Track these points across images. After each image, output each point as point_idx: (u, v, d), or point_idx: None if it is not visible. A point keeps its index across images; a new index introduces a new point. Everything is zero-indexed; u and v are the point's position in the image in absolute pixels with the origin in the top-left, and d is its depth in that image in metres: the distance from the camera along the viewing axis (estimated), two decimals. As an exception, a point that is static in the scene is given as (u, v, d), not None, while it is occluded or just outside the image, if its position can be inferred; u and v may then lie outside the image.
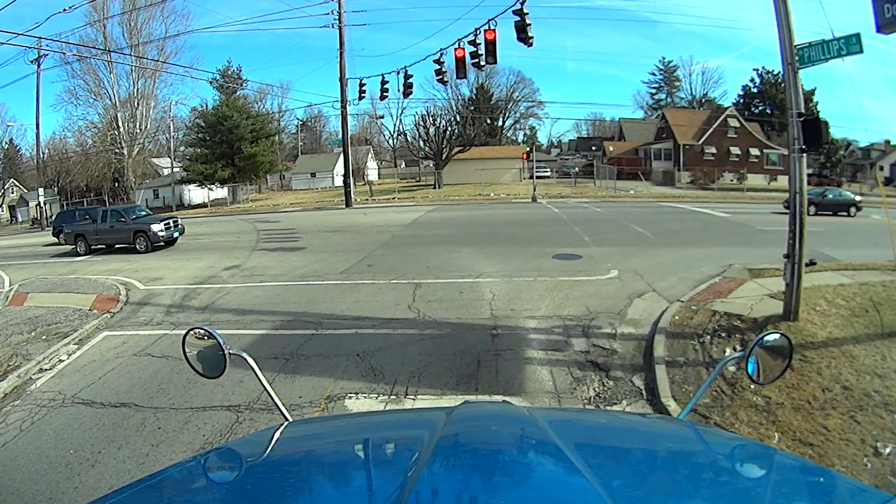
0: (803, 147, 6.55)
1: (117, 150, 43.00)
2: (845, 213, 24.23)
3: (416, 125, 47.68)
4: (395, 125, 66.14)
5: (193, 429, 5.21)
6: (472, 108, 58.89)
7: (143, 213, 20.14)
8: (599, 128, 78.10)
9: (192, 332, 1.96)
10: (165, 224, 18.39)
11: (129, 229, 18.17)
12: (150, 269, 13.75)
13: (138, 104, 43.30)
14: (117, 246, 18.62)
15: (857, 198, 25.54)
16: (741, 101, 56.28)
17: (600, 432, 1.60)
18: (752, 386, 5.19)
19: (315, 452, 1.49)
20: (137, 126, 43.76)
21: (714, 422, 4.86)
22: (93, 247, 18.87)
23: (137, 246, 17.85)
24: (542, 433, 1.35)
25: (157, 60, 41.42)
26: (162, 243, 18.02)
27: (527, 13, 13.51)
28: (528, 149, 43.70)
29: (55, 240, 22.08)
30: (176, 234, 18.76)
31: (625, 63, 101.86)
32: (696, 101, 68.16)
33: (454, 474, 1.15)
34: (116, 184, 48.19)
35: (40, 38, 29.49)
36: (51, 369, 7.13)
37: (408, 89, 21.26)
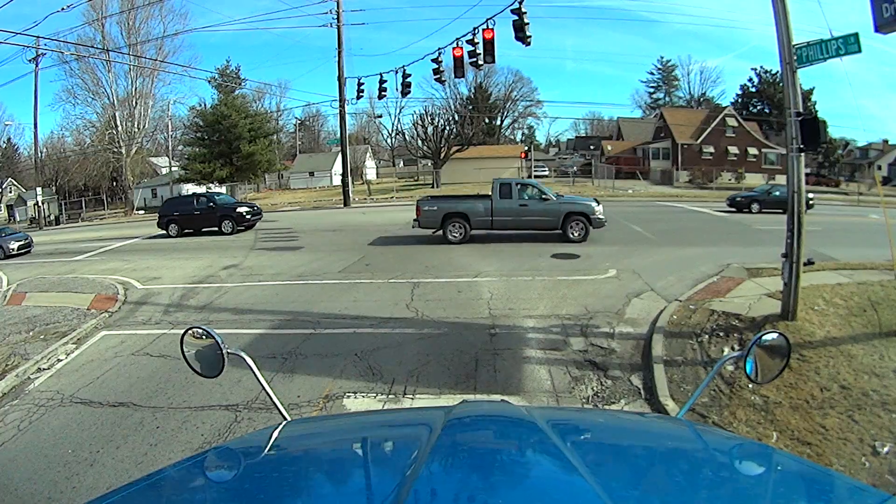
0: (801, 146, 6.56)
1: (115, 150, 42.88)
2: None
3: (414, 124, 47.57)
4: (393, 124, 65.88)
5: (192, 428, 5.20)
6: (471, 107, 58.76)
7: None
8: (598, 127, 78.07)
9: (190, 332, 1.96)
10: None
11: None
12: (148, 268, 13.73)
13: (136, 103, 43.16)
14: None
15: (809, 195, 25.25)
16: (739, 100, 56.39)
17: (599, 432, 1.60)
18: (751, 385, 5.20)
19: (313, 452, 1.49)
20: (136, 125, 43.62)
21: (712, 421, 4.87)
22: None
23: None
24: (541, 432, 1.35)
25: (156, 59, 41.30)
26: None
27: (525, 12, 13.51)
28: (526, 148, 43.87)
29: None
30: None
31: (623, 62, 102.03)
32: (695, 100, 68.21)
33: (453, 473, 1.14)
34: (115, 183, 48.14)
35: (38, 37, 29.46)
36: (49, 369, 7.12)
37: (406, 88, 21.21)
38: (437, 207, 15.17)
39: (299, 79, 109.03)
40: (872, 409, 4.77)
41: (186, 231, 20.72)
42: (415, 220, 15.49)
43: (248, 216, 20.68)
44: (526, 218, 14.66)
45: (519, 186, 15.01)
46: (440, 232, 15.09)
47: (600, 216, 14.44)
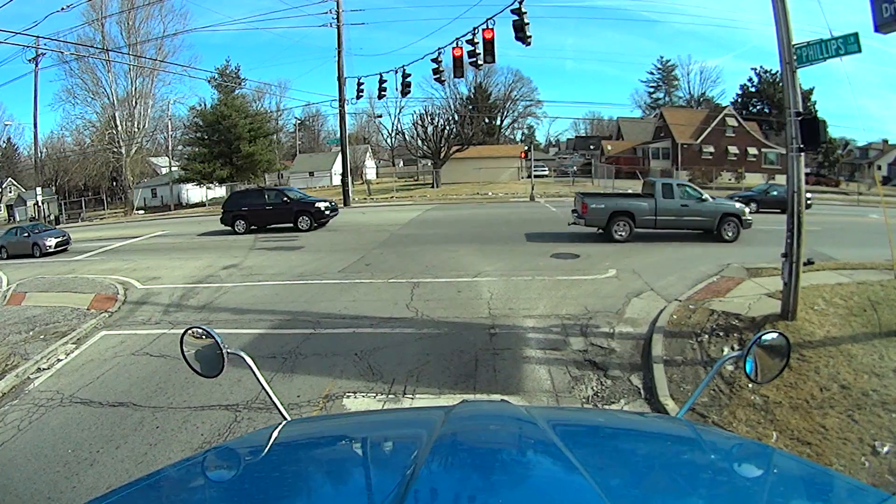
0: (801, 146, 6.56)
1: (115, 150, 42.90)
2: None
3: (414, 124, 47.62)
4: (393, 124, 65.93)
5: (192, 428, 5.20)
6: (471, 107, 58.79)
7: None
8: (597, 127, 78.07)
9: (190, 332, 1.96)
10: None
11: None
12: (147, 268, 13.73)
13: (136, 103, 43.22)
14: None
15: (807, 195, 25.21)
16: (739, 100, 56.40)
17: (598, 431, 1.60)
18: (751, 385, 5.20)
19: (313, 451, 1.49)
20: (135, 125, 43.65)
21: (712, 421, 4.87)
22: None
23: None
24: (541, 432, 1.35)
25: (155, 59, 41.35)
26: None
27: (525, 12, 13.51)
28: (526, 148, 43.74)
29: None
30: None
31: (623, 62, 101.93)
32: (695, 100, 68.18)
33: (453, 473, 1.14)
34: (114, 183, 48.15)
35: (38, 36, 29.42)
36: (49, 369, 7.13)
37: (406, 88, 21.20)
38: (604, 206, 14.72)
39: (299, 79, 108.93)
40: (872, 409, 4.77)
41: (255, 227, 19.62)
42: (577, 215, 15.06)
43: (326, 212, 19.62)
44: (686, 218, 14.66)
45: (679, 187, 15.11)
46: (599, 230, 14.83)
47: (748, 218, 14.63)
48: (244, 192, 24.61)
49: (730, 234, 14.40)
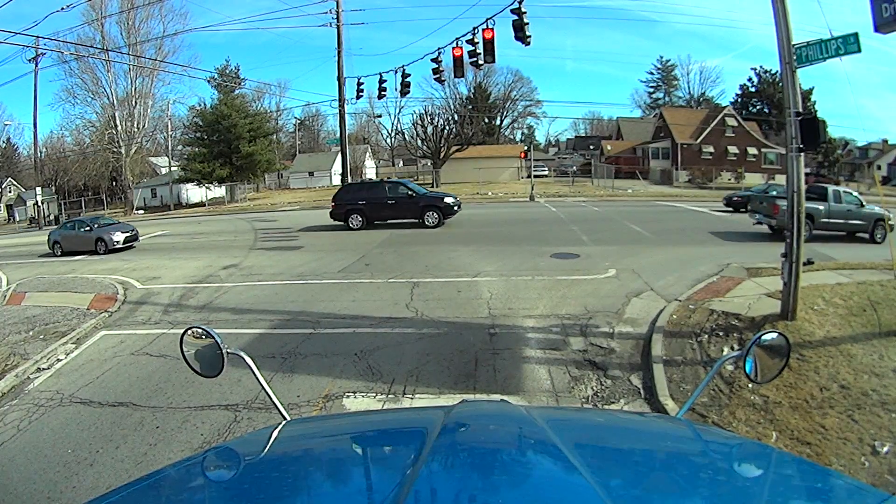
0: (801, 146, 6.56)
1: (115, 149, 42.88)
2: None
3: (413, 124, 47.68)
4: (393, 124, 65.99)
5: (191, 428, 5.20)
6: (470, 107, 58.80)
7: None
8: (597, 127, 78.14)
9: (189, 332, 1.96)
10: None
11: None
12: (147, 268, 13.73)
13: (136, 103, 43.16)
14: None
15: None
16: (739, 100, 56.38)
17: (598, 431, 1.60)
18: (750, 385, 5.20)
19: (313, 451, 1.49)
20: (135, 125, 43.62)
21: (712, 421, 4.87)
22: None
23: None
24: (541, 432, 1.35)
25: (155, 59, 41.31)
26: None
27: (525, 12, 13.51)
28: (525, 148, 43.78)
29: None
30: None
31: (623, 62, 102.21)
32: (694, 100, 68.24)
33: (452, 473, 1.14)
34: (114, 183, 48.18)
35: (38, 36, 29.46)
36: (48, 368, 7.12)
37: (405, 88, 21.18)
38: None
39: (299, 78, 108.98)
40: (872, 409, 4.77)
41: (375, 222, 18.71)
42: (761, 216, 15.58)
43: (454, 208, 18.68)
44: (851, 221, 15.40)
45: (846, 193, 15.84)
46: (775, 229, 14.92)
47: (893, 222, 15.08)
48: (360, 183, 23.33)
49: (878, 238, 15.27)
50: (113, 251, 17.55)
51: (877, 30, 5.69)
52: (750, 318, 7.23)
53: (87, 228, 18.52)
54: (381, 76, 23.05)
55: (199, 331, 1.95)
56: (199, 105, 45.16)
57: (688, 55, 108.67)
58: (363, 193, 19.41)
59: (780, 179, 29.82)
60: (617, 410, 5.19)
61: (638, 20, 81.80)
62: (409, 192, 18.70)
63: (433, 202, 18.51)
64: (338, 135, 35.90)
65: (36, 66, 34.71)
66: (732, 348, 6.45)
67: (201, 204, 43.36)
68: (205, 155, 40.75)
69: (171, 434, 5.12)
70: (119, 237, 17.89)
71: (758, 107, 54.91)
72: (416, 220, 18.25)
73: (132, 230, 18.72)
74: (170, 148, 47.36)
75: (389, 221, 18.79)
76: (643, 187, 41.59)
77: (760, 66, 55.40)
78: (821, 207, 14.95)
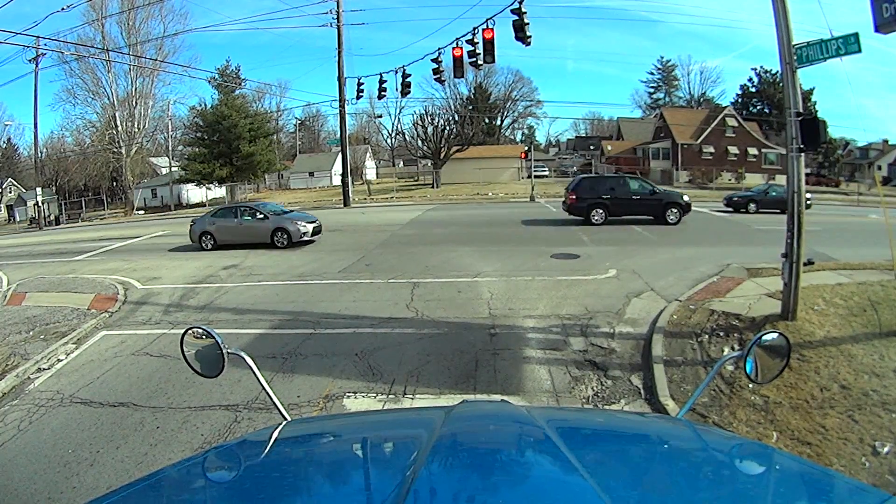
0: (801, 146, 6.56)
1: (115, 150, 42.91)
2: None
3: (414, 124, 47.63)
4: (393, 124, 66.07)
5: (192, 428, 5.20)
6: (471, 107, 58.83)
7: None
8: (598, 127, 78.14)
9: (190, 332, 1.96)
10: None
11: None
12: (148, 268, 13.73)
13: (136, 103, 43.23)
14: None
15: (807, 195, 25.09)
16: (739, 100, 56.38)
17: (599, 431, 1.60)
18: (751, 385, 5.20)
19: (313, 452, 1.49)
20: (136, 125, 43.67)
21: (712, 421, 4.87)
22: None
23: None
24: (541, 432, 1.35)
25: (156, 59, 41.40)
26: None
27: (525, 12, 13.51)
28: (526, 148, 43.75)
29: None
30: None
31: (623, 62, 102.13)
32: (695, 100, 68.23)
33: (453, 473, 1.15)
34: (115, 183, 48.18)
35: (38, 36, 29.45)
36: (49, 369, 7.12)
37: (406, 89, 21.19)
38: None
39: (299, 79, 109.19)
40: (872, 409, 4.77)
41: (612, 219, 17.99)
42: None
43: (687, 207, 18.18)
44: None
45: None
46: None
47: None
48: (599, 178, 22.51)
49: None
50: (297, 244, 15.30)
51: (877, 30, 5.69)
52: (750, 318, 7.23)
53: (261, 216, 15.72)
54: (381, 76, 23.11)
55: (200, 331, 1.96)
56: (200, 105, 45.14)
57: (688, 55, 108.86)
58: (606, 187, 18.55)
59: (781, 180, 29.81)
60: (617, 411, 5.19)
61: (638, 20, 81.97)
62: (653, 189, 18.51)
63: (675, 200, 18.10)
64: (338, 135, 35.89)
65: (36, 66, 34.70)
66: (733, 348, 6.44)
67: (202, 204, 43.35)
68: (205, 155, 40.75)
69: (172, 434, 5.12)
70: (307, 227, 15.44)
71: (758, 107, 54.90)
72: (654, 218, 17.88)
73: (316, 220, 16.27)
74: (170, 148, 47.42)
75: (628, 218, 18.16)
76: (643, 187, 41.51)
77: (761, 67, 55.47)
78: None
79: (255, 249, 15.85)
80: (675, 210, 17.77)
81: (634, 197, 18.15)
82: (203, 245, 16.09)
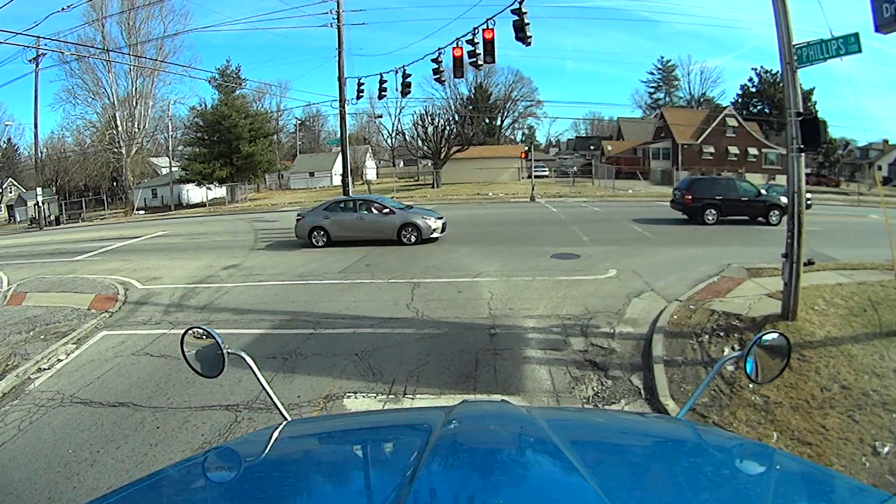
0: (802, 146, 6.56)
1: (116, 150, 42.93)
2: None
3: (414, 124, 47.62)
4: (393, 124, 66.15)
5: (192, 428, 5.20)
6: (471, 107, 58.85)
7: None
8: (598, 127, 78.14)
9: (190, 332, 1.96)
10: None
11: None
12: (148, 268, 13.73)
13: (136, 103, 43.26)
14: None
15: (808, 195, 24.80)
16: (740, 100, 56.42)
17: (599, 432, 1.60)
18: (751, 385, 5.20)
19: (314, 452, 1.49)
20: (136, 125, 43.69)
21: (713, 421, 4.87)
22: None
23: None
24: (541, 432, 1.35)
25: (156, 60, 41.40)
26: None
27: (525, 12, 13.49)
28: (526, 148, 43.73)
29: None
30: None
31: (624, 62, 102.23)
32: (695, 100, 68.26)
33: (453, 474, 1.14)
34: (115, 183, 48.18)
35: (39, 37, 29.34)
36: (49, 369, 7.12)
37: (406, 89, 21.15)
38: None
39: (299, 79, 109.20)
40: (873, 409, 4.77)
41: (724, 219, 18.30)
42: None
43: (785, 209, 17.82)
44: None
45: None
46: None
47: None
48: (713, 179, 22.63)
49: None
50: (426, 241, 14.47)
51: (877, 30, 5.69)
52: (750, 318, 7.23)
53: (387, 210, 14.90)
54: (381, 76, 23.03)
55: (200, 331, 1.96)
56: (200, 105, 45.23)
57: (688, 55, 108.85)
58: (720, 189, 18.97)
59: (781, 180, 29.83)
60: (617, 411, 5.19)
61: (639, 20, 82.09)
62: (758, 192, 18.89)
63: (776, 203, 18.08)
64: (338, 135, 35.79)
65: (37, 66, 34.80)
66: (733, 348, 6.44)
67: (202, 204, 43.39)
68: (205, 155, 40.78)
69: (172, 434, 5.12)
70: (436, 224, 14.67)
71: (758, 107, 54.93)
72: (757, 219, 18.35)
73: (442, 217, 15.47)
74: (170, 148, 47.45)
75: (736, 217, 18.52)
76: (644, 188, 41.59)
77: (761, 67, 55.51)
78: None
79: (255, 250, 15.84)
80: (776, 212, 18.00)
81: (743, 199, 18.61)
82: (314, 241, 15.12)
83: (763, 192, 19.22)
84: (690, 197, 18.59)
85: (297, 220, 15.82)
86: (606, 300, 8.81)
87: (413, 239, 14.52)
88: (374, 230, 14.89)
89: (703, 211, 18.27)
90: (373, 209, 15.25)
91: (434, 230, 14.61)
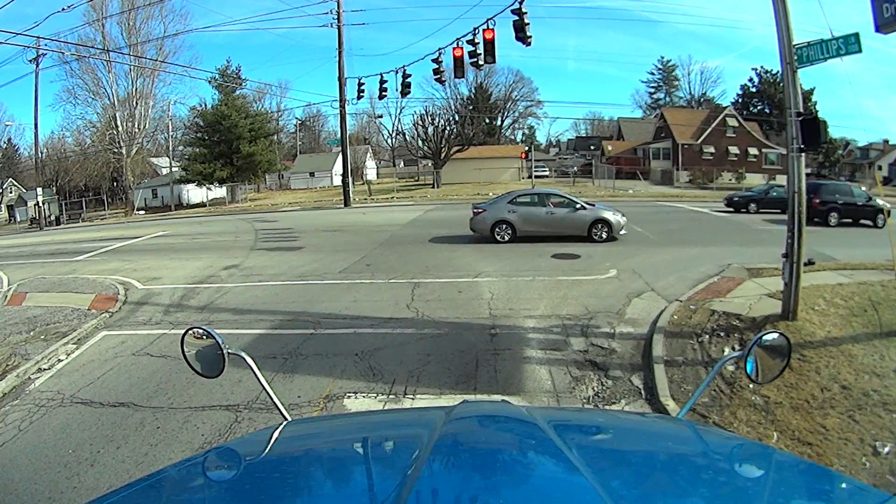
0: (802, 146, 6.56)
1: (116, 150, 42.97)
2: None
3: (414, 124, 47.67)
4: (393, 125, 66.17)
5: (192, 428, 5.20)
6: (471, 107, 58.87)
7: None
8: (598, 127, 78.18)
9: (190, 332, 1.96)
10: None
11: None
12: (148, 268, 13.72)
13: (137, 103, 43.28)
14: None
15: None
16: (740, 100, 56.40)
17: (599, 431, 1.60)
18: (751, 385, 5.20)
19: (314, 452, 1.49)
20: (136, 125, 43.72)
21: (713, 421, 4.86)
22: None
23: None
24: (541, 432, 1.35)
25: (156, 60, 41.45)
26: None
27: (525, 13, 13.53)
28: (526, 148, 43.84)
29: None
30: None
31: (624, 62, 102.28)
32: (695, 100, 68.29)
33: (453, 473, 1.15)
34: (115, 183, 48.24)
35: (39, 37, 29.52)
36: (49, 369, 7.12)
37: (406, 89, 21.24)
38: None
39: (300, 79, 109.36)
40: (873, 410, 4.77)
41: (844, 221, 19.37)
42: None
43: (889, 214, 17.04)
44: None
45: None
46: None
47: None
48: (834, 184, 22.84)
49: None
50: (610, 240, 14.09)
51: (878, 30, 5.69)
52: (751, 318, 7.22)
53: (578, 205, 14.46)
54: (381, 76, 23.16)
55: (200, 331, 1.96)
56: (200, 105, 45.31)
57: (689, 55, 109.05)
58: (840, 193, 20.00)
59: (781, 180, 29.82)
60: (618, 411, 5.19)
61: (639, 21, 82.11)
62: (869, 197, 19.88)
63: (883, 208, 18.35)
64: (339, 135, 35.90)
65: (37, 66, 34.76)
66: (733, 349, 6.44)
67: (202, 204, 43.42)
68: (205, 155, 40.81)
69: (172, 434, 5.11)
70: (624, 220, 14.39)
71: (759, 107, 54.92)
72: (868, 223, 19.24)
73: (623, 213, 15.09)
74: (170, 148, 47.49)
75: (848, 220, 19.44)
76: (644, 188, 41.60)
77: (761, 67, 55.47)
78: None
79: (255, 250, 15.84)
80: (881, 216, 18.69)
81: (858, 203, 19.62)
82: (497, 237, 14.52)
83: (872, 197, 20.35)
84: (818, 200, 18.97)
85: (476, 213, 15.06)
86: (607, 300, 8.81)
87: (604, 236, 14.11)
88: (564, 226, 14.45)
89: (828, 214, 19.22)
90: (561, 204, 14.71)
91: (622, 227, 14.20)
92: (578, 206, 14.49)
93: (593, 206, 14.87)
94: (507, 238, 14.44)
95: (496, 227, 14.54)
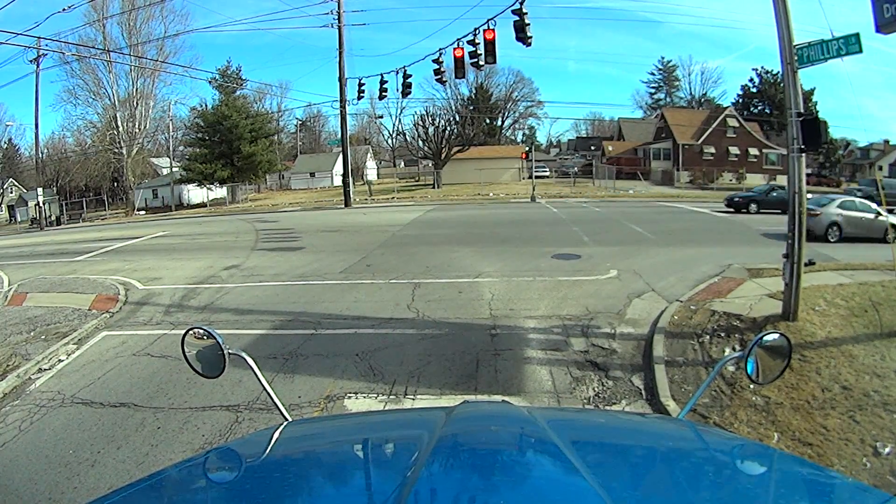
0: (802, 147, 6.56)
1: (116, 150, 43.01)
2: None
3: (415, 125, 47.70)
4: (394, 125, 66.30)
5: (193, 429, 5.20)
6: (472, 107, 58.94)
7: None
8: (598, 127, 78.17)
9: (191, 332, 1.96)
10: None
11: None
12: (149, 268, 13.72)
13: (137, 104, 43.32)
14: None
15: (808, 195, 24.77)
16: (740, 100, 56.41)
17: (600, 432, 1.60)
18: (752, 386, 5.20)
19: (314, 452, 1.49)
20: (136, 126, 43.75)
21: (713, 421, 4.86)
22: None
23: None
24: (542, 433, 1.35)
25: (157, 60, 41.49)
26: None
27: (526, 13, 13.54)
28: (527, 148, 43.77)
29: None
30: None
31: (624, 63, 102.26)
32: (696, 100, 68.27)
33: (453, 474, 1.15)
34: (115, 184, 48.26)
35: (39, 37, 29.55)
36: (50, 369, 7.12)
37: (406, 89, 21.27)
38: None
39: (300, 79, 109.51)
40: (874, 410, 4.77)
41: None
42: None
43: None
44: None
45: None
46: None
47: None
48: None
49: None
50: (821, 239, 14.37)
51: (878, 30, 5.69)
52: (751, 318, 7.22)
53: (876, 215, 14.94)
54: (382, 77, 23.19)
55: (201, 331, 1.96)
56: (201, 106, 45.38)
57: (689, 56, 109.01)
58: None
59: (782, 180, 29.80)
60: (618, 411, 5.19)
61: (640, 21, 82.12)
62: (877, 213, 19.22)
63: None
64: (339, 135, 35.91)
65: (37, 66, 34.74)
66: (734, 349, 6.44)
67: (202, 205, 43.43)
68: (206, 156, 40.83)
69: (173, 435, 5.12)
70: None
71: (759, 107, 54.93)
72: None
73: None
74: (171, 149, 47.51)
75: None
76: (644, 188, 41.60)
77: (762, 67, 55.51)
78: None
79: (256, 251, 15.85)
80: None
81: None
82: (829, 237, 15.11)
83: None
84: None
85: (814, 215, 14.97)
86: (607, 301, 8.81)
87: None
88: (875, 230, 14.99)
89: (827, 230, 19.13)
90: (880, 211, 15.37)
91: None
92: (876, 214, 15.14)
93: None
94: (834, 239, 15.10)
95: (829, 228, 15.31)
